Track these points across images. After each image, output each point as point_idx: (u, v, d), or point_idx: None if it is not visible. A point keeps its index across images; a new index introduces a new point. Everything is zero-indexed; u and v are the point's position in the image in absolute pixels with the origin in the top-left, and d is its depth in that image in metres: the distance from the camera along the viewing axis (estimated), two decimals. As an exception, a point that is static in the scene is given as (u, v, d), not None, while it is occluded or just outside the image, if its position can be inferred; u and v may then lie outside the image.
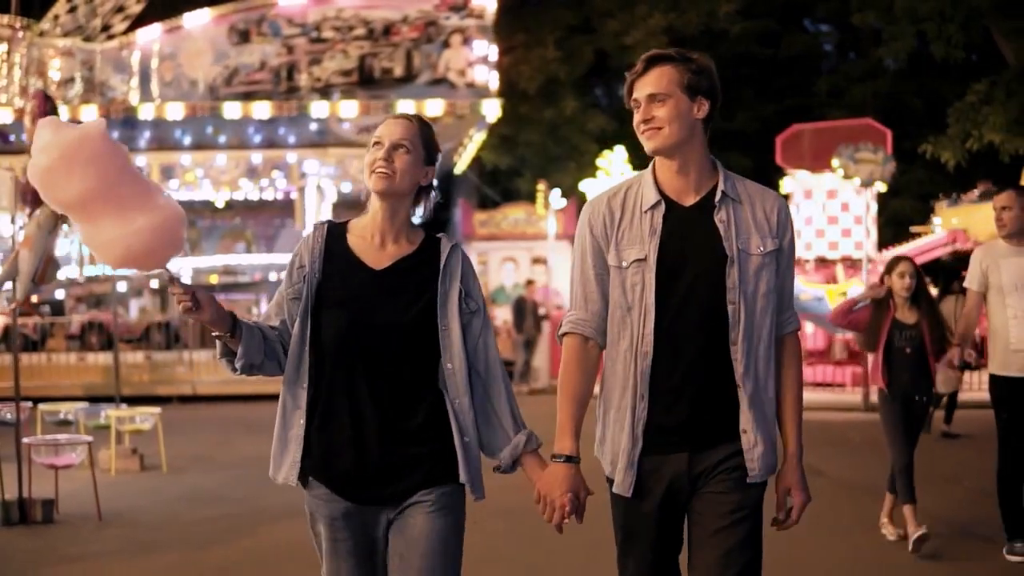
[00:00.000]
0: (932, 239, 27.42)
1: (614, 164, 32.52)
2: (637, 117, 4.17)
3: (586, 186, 32.80)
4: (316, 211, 28.03)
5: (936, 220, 28.80)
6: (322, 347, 4.07)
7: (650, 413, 4.09)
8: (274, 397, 4.24)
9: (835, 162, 23.47)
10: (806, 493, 4.20)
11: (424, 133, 4.20)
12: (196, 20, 26.52)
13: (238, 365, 4.06)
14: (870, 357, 9.27)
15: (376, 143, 4.12)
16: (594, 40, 38.51)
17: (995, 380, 8.39)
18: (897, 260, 9.23)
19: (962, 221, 27.20)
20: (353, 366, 4.04)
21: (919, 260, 25.97)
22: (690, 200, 4.18)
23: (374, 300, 4.08)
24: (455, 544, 4.12)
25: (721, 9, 36.26)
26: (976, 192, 27.49)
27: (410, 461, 4.04)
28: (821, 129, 27.43)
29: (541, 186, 35.54)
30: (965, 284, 8.63)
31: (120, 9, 26.07)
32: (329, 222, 4.29)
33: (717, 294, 4.08)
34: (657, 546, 4.19)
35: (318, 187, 28.16)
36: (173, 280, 3.90)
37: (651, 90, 4.12)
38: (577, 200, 34.63)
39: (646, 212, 4.16)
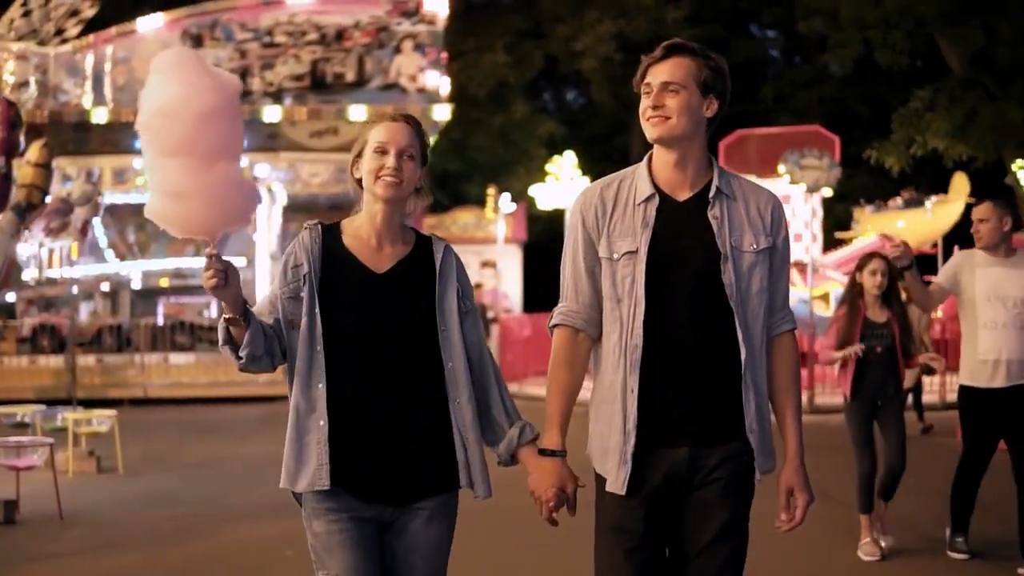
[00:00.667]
0: (863, 244, 27.65)
1: (564, 169, 32.73)
2: (646, 102, 4.09)
3: (535, 190, 33.01)
4: (267, 215, 28.06)
5: (854, 226, 29.05)
6: (331, 350, 4.04)
7: (641, 408, 4.01)
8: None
9: (781, 168, 23.70)
10: (809, 493, 4.13)
11: (420, 136, 4.20)
12: (149, 24, 26.55)
13: (243, 354, 3.97)
14: (837, 364, 8.97)
15: (380, 149, 4.09)
16: (544, 45, 38.70)
17: (963, 390, 8.33)
18: (870, 257, 9.01)
19: (876, 227, 27.48)
20: (360, 368, 4.04)
21: (851, 266, 26.29)
22: (684, 195, 4.13)
23: (379, 303, 4.08)
24: (448, 546, 4.22)
25: (669, 16, 36.62)
26: (900, 200, 27.80)
27: (417, 461, 4.07)
28: (769, 135, 27.71)
29: (491, 190, 35.70)
30: (936, 280, 8.51)
31: (74, 13, 26.03)
32: (321, 223, 4.23)
33: (708, 290, 4.02)
34: (650, 545, 4.10)
35: (269, 190, 28.19)
36: (215, 253, 3.84)
37: (666, 78, 4.05)
38: (526, 204, 34.86)
39: (639, 205, 4.10)
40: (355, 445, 4.02)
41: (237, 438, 17.00)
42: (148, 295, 29.81)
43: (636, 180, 4.17)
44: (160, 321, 26.98)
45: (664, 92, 4.05)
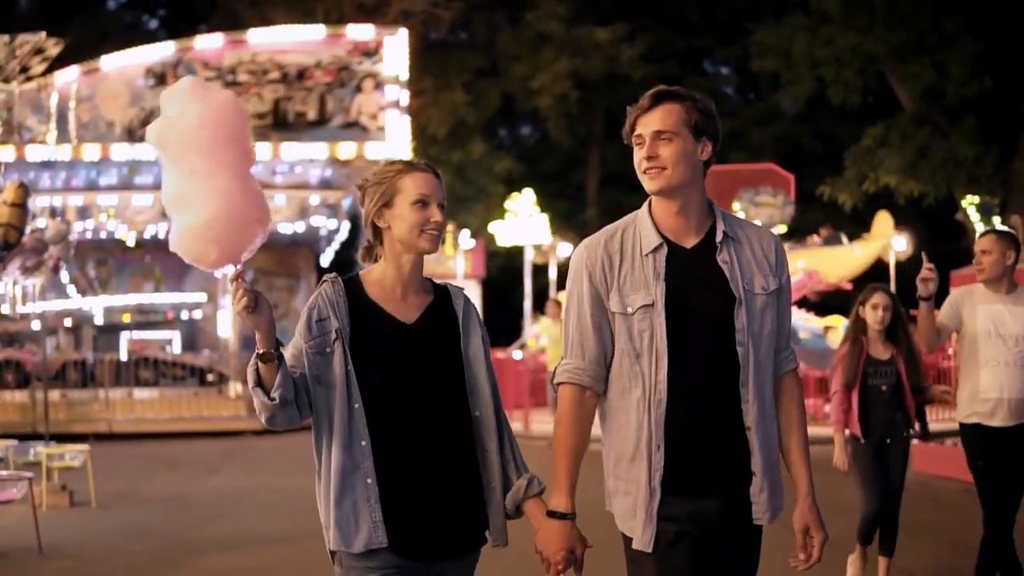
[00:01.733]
0: (793, 280, 27.85)
1: (522, 206, 33.00)
2: (640, 154, 4.04)
3: (494, 227, 33.28)
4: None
5: None
6: (367, 405, 4.02)
7: (667, 463, 3.99)
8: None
9: (736, 205, 24.06)
10: (824, 531, 4.13)
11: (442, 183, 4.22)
12: (113, 63, 26.68)
13: (275, 395, 3.88)
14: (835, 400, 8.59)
15: (421, 202, 4.10)
16: (501, 84, 38.98)
17: (964, 428, 7.94)
18: (872, 291, 8.67)
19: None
20: (394, 421, 4.03)
21: (794, 297, 26.61)
22: (691, 242, 4.09)
23: (411, 354, 4.08)
24: None
25: (624, 55, 36.95)
26: (818, 238, 28.19)
27: (453, 516, 4.09)
28: (723, 171, 28.06)
29: (450, 226, 35.92)
30: (938, 319, 8.03)
31: (39, 51, 26.07)
32: (339, 276, 4.17)
33: (724, 337, 4.01)
34: None
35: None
36: (240, 276, 3.84)
37: (658, 127, 3.99)
38: (485, 240, 35.14)
39: (647, 255, 4.04)
40: (396, 501, 4.01)
41: (203, 472, 17.15)
42: (110, 330, 29.84)
43: (639, 229, 4.11)
44: (124, 356, 27.05)
45: (657, 141, 4.00)
